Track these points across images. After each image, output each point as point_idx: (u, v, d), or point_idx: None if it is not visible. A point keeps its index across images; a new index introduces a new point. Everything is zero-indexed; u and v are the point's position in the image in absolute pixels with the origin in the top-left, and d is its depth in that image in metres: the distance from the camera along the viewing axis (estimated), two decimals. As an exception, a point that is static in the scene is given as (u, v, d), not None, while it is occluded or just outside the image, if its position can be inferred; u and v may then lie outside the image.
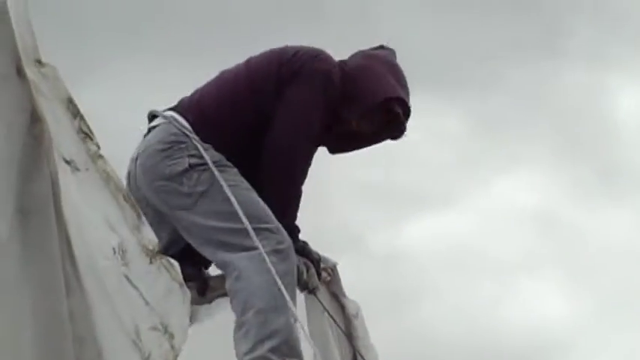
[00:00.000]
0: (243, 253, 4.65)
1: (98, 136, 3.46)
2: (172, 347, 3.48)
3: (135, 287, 3.37)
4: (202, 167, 4.62)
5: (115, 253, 3.30)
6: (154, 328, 3.40)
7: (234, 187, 4.65)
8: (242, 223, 4.56)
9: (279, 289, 4.15)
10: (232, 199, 4.34)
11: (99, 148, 3.42)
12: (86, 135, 3.35)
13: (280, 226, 4.67)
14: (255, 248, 4.64)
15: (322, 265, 6.19)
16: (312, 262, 5.91)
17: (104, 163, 3.40)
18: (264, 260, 4.58)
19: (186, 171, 4.61)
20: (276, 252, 4.72)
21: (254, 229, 4.56)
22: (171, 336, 3.45)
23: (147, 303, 3.37)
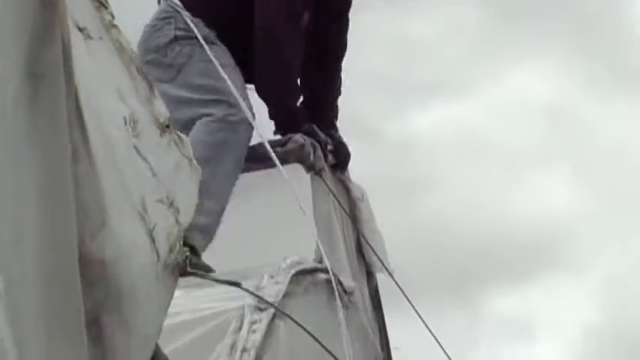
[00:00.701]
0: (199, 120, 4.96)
1: (113, 5, 3.44)
2: (177, 222, 3.47)
3: (144, 159, 3.32)
4: (187, 41, 4.84)
5: (125, 123, 3.24)
6: (161, 201, 3.35)
7: (207, 62, 4.87)
8: (208, 94, 4.84)
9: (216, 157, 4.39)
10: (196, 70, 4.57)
11: (113, 17, 3.28)
12: (101, 3, 3.27)
13: (243, 102, 4.92)
14: (208, 115, 4.95)
15: (329, 148, 6.35)
16: (320, 143, 6.02)
17: (118, 32, 3.33)
18: (208, 125, 4.89)
19: (170, 42, 4.92)
20: (225, 121, 5.00)
21: (213, 100, 4.82)
22: (177, 211, 3.45)
23: (155, 175, 3.34)
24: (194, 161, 3.62)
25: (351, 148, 6.55)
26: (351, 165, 6.60)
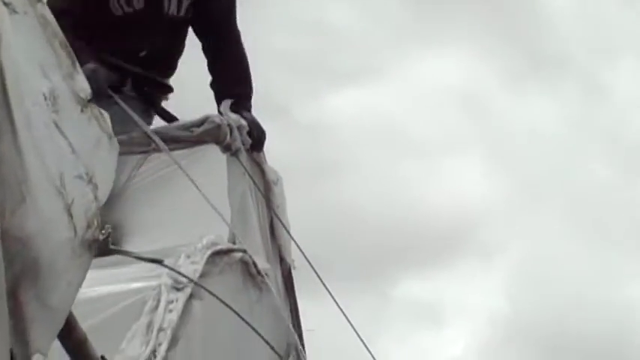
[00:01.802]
0: None
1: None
2: (96, 198, 3.45)
3: (63, 135, 3.31)
4: None
5: (45, 99, 3.25)
6: (79, 177, 3.33)
7: None
8: None
9: None
10: None
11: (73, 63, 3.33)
12: None
13: None
14: None
15: (246, 129, 6.42)
16: (237, 126, 6.11)
17: (43, 7, 3.31)
18: None
19: None
20: None
21: None
22: (95, 187, 3.43)
23: (74, 151, 3.33)
24: (113, 137, 3.58)
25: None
26: (265, 147, 6.67)
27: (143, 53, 6.44)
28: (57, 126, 3.25)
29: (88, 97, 3.45)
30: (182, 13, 6.28)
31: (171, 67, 6.75)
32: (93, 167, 3.43)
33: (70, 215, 3.28)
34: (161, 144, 5.62)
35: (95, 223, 3.44)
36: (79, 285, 3.47)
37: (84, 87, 3.43)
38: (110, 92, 5.88)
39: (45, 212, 3.20)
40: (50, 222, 3.22)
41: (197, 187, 5.66)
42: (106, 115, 3.57)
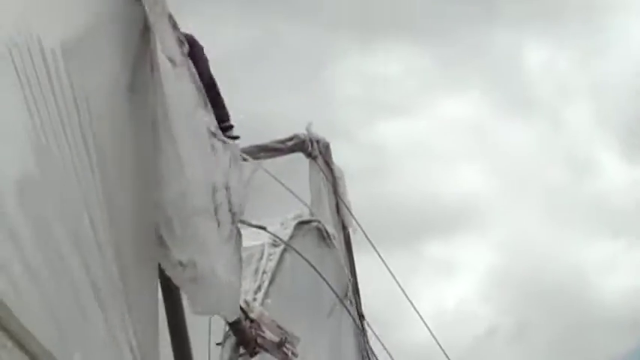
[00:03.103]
0: None
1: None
2: (230, 202, 3.39)
3: (215, 153, 3.29)
4: None
5: (207, 130, 3.26)
6: (224, 187, 3.32)
7: None
8: None
9: None
10: None
11: (188, 51, 3.24)
12: (181, 42, 3.20)
13: None
14: None
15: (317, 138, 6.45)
16: (316, 140, 6.14)
17: (189, 61, 3.27)
18: None
19: None
20: None
21: None
22: (230, 194, 3.38)
23: (219, 167, 3.34)
24: (239, 157, 3.57)
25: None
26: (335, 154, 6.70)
27: None
28: (212, 147, 3.25)
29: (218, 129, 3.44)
30: None
31: None
32: (230, 180, 3.38)
33: (216, 211, 3.24)
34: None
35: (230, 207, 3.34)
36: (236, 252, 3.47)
37: (214, 121, 3.41)
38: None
39: (201, 207, 3.19)
40: (203, 214, 3.20)
41: (283, 184, 5.74)
42: (233, 142, 3.62)
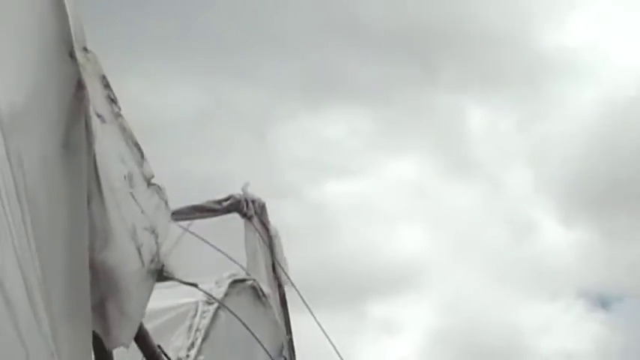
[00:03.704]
0: None
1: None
2: (156, 243, 3.49)
3: (136, 201, 3.33)
4: None
5: (124, 178, 3.24)
6: (146, 229, 3.39)
7: None
8: None
9: None
10: None
11: (120, 109, 3.29)
12: (112, 100, 3.28)
13: None
14: None
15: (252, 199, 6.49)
16: (252, 200, 6.15)
17: (122, 119, 3.32)
18: None
19: None
20: None
21: None
22: (156, 235, 3.46)
23: (143, 212, 3.34)
24: (168, 203, 3.60)
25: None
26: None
27: None
28: (132, 196, 3.26)
29: (152, 177, 3.47)
30: None
31: None
32: (155, 223, 3.44)
33: (140, 253, 3.30)
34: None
35: (156, 259, 3.46)
36: (147, 300, 3.51)
37: (149, 171, 3.44)
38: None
39: (123, 250, 3.20)
40: (126, 257, 3.23)
41: (217, 248, 5.82)
42: (163, 188, 3.57)
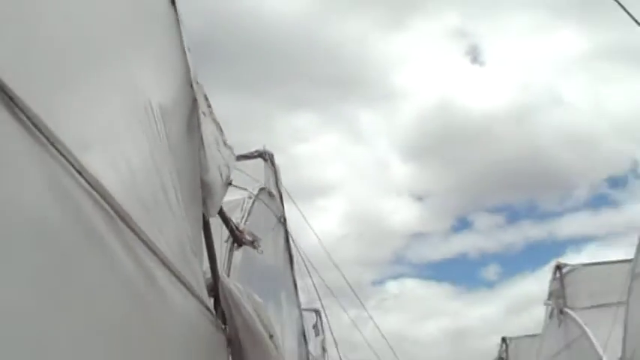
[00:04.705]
0: None
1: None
2: (228, 170, 3.61)
3: (220, 152, 3.54)
4: None
5: (214, 141, 3.42)
6: (224, 165, 3.52)
7: None
8: None
9: None
10: None
11: (211, 109, 3.52)
12: (208, 105, 3.48)
13: None
14: None
15: None
16: None
17: (213, 114, 3.48)
18: None
19: None
20: None
21: None
22: (228, 168, 3.60)
23: (222, 157, 3.54)
24: (233, 152, 3.79)
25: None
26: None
27: None
28: (218, 150, 3.56)
29: (226, 141, 3.68)
30: None
31: None
32: (228, 161, 3.63)
33: (221, 175, 3.51)
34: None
35: (227, 178, 3.63)
36: (224, 195, 3.64)
37: (225, 138, 3.69)
38: None
39: (214, 174, 3.40)
40: (215, 177, 3.44)
41: (250, 176, 6.00)
42: (232, 147, 3.74)
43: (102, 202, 1.91)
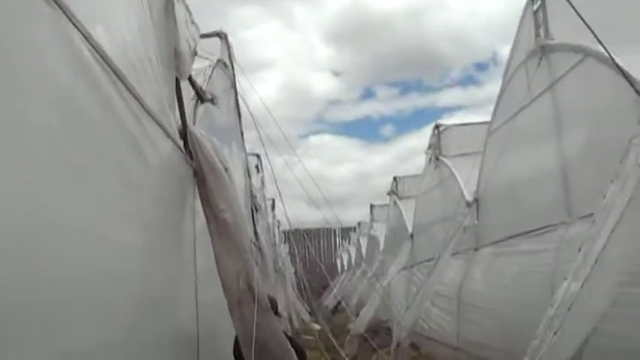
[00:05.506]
0: None
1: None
2: (195, 44, 3.35)
3: (189, 30, 3.26)
4: None
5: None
6: (191, 39, 3.26)
7: None
8: None
9: None
10: None
11: (190, 13, 3.35)
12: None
13: None
14: None
15: None
16: None
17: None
18: None
19: None
20: None
21: None
22: (195, 43, 3.35)
23: (190, 33, 3.26)
24: (199, 28, 3.43)
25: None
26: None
27: None
28: (192, 38, 3.26)
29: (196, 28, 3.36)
30: None
31: None
32: (194, 37, 3.35)
33: (190, 48, 3.24)
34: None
35: (194, 50, 3.36)
36: (192, 64, 3.41)
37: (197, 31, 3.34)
38: None
39: (185, 55, 3.17)
40: (186, 54, 3.20)
41: (209, 52, 5.65)
42: (197, 25, 3.44)
43: (103, 63, 1.94)
